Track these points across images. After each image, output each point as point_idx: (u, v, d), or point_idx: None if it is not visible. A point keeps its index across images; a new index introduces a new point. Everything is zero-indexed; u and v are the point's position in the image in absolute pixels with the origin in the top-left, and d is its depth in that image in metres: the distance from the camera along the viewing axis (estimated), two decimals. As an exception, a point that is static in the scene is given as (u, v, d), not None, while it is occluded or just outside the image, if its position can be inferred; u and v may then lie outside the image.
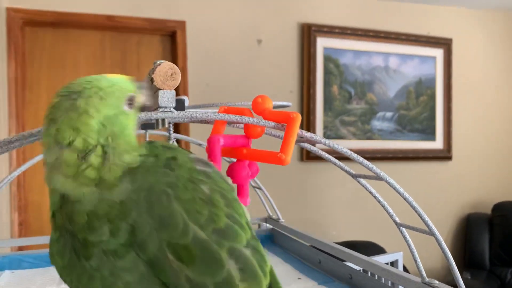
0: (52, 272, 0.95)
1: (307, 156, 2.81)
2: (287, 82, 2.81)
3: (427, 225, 0.53)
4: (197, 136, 1.37)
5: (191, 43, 2.59)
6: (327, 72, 2.87)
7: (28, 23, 2.37)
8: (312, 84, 2.82)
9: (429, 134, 3.15)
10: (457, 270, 0.55)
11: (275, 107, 0.67)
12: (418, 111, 3.12)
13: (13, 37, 2.29)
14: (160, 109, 0.48)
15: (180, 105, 0.53)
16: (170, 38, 2.63)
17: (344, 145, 2.54)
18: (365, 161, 0.51)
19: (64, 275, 0.42)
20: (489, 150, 3.31)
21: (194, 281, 0.37)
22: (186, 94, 2.58)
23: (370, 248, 2.41)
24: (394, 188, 0.52)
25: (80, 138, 0.38)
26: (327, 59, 2.87)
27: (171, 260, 0.37)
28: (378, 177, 0.52)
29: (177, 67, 0.48)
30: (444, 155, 3.17)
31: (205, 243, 0.38)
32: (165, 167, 0.41)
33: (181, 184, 0.40)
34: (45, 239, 1.09)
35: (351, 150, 0.52)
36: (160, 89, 0.47)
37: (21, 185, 2.33)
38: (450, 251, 2.48)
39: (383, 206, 0.60)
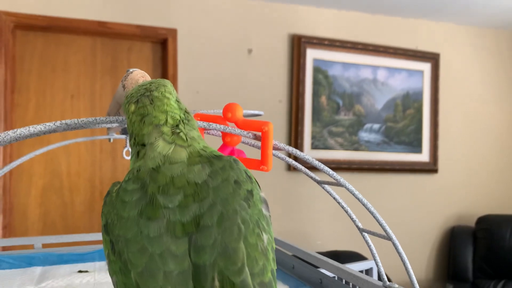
0: (30, 272, 0.97)
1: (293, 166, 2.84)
2: (277, 91, 2.85)
3: (385, 230, 0.55)
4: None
5: (182, 51, 2.62)
6: (316, 83, 2.92)
7: (19, 27, 2.38)
8: (301, 94, 2.86)
9: (416, 146, 3.19)
10: (413, 273, 0.57)
11: (247, 115, 0.70)
12: (405, 123, 3.17)
13: (3, 40, 2.30)
14: (130, 114, 0.51)
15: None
16: (161, 46, 2.66)
17: (331, 156, 2.56)
18: (326, 168, 0.54)
19: (116, 229, 0.41)
20: (475, 164, 3.36)
21: None
22: (175, 101, 2.60)
23: (353, 258, 2.43)
24: (353, 194, 0.54)
25: (170, 116, 0.47)
26: (316, 70, 2.91)
27: (215, 284, 0.40)
28: (338, 183, 0.54)
29: (148, 75, 0.51)
30: (430, 168, 3.21)
31: None
32: (244, 199, 0.44)
33: (251, 226, 0.43)
34: (26, 240, 1.10)
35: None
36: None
37: (6, 189, 2.33)
38: (434, 263, 2.51)
39: (346, 211, 0.62)
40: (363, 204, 0.55)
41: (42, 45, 2.46)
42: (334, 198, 0.61)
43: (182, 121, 0.48)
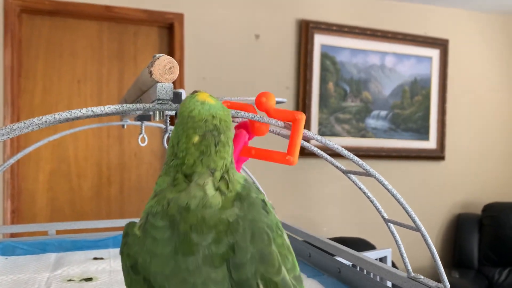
0: (45, 259, 0.97)
1: (302, 152, 2.83)
2: (284, 78, 2.82)
3: (414, 221, 0.54)
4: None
5: (189, 36, 2.59)
6: (323, 69, 2.89)
7: (25, 11, 2.36)
8: (308, 80, 2.83)
9: (423, 133, 3.18)
10: (441, 265, 0.56)
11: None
12: (413, 110, 3.15)
13: (10, 24, 2.28)
14: (158, 101, 0.49)
15: (177, 98, 0.54)
16: (167, 30, 2.63)
17: (338, 143, 2.56)
18: (355, 158, 0.53)
19: (152, 267, 0.42)
20: (482, 151, 3.34)
21: None
22: (182, 87, 2.59)
23: (361, 245, 2.44)
24: (383, 184, 0.53)
25: (225, 164, 0.47)
26: (324, 56, 2.88)
27: None
28: (367, 173, 0.53)
29: (175, 61, 0.49)
30: (437, 155, 3.20)
31: (288, 285, 0.44)
32: (263, 208, 0.48)
33: (274, 229, 0.47)
34: (38, 227, 1.10)
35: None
36: (158, 81, 0.49)
37: (14, 174, 2.33)
38: (439, 250, 2.51)
39: (372, 201, 0.61)
40: (392, 195, 0.54)
41: (48, 30, 2.44)
42: (360, 188, 0.60)
43: (230, 164, 0.48)
